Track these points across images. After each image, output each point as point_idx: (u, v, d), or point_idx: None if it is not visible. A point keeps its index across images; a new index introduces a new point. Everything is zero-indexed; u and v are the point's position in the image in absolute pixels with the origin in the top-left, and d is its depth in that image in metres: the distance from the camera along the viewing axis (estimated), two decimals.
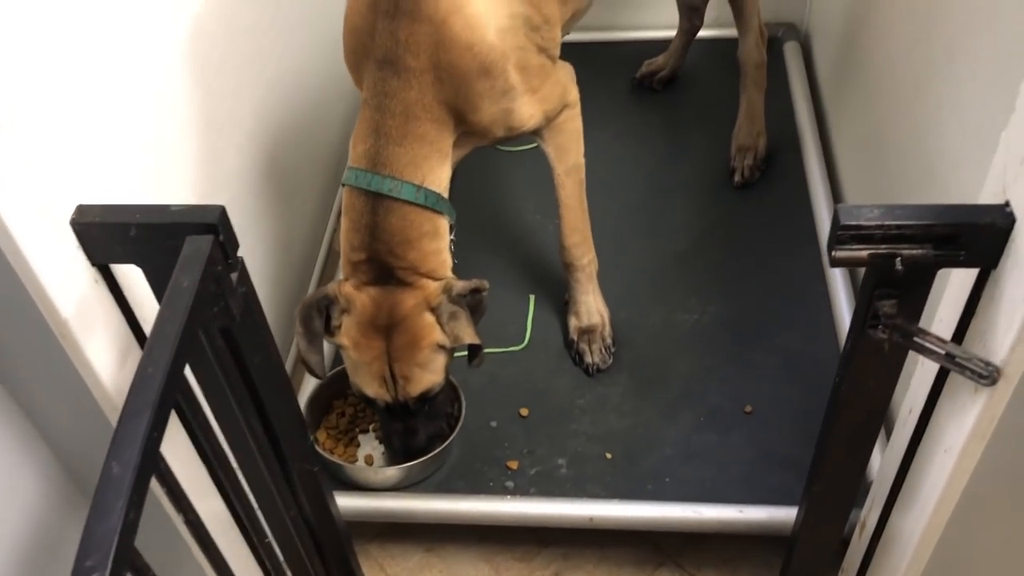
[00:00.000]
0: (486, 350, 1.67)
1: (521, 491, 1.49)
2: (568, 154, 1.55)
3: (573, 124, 1.54)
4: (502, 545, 1.57)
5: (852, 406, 0.99)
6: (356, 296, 1.34)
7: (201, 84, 1.40)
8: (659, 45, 2.20)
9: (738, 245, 1.85)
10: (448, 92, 1.29)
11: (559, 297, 1.76)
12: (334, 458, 1.50)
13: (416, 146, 1.31)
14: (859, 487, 1.10)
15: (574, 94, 1.52)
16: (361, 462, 1.54)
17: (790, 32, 2.23)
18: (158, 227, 0.87)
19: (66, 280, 0.87)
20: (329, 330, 1.36)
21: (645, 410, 1.60)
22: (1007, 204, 0.80)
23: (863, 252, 0.82)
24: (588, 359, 1.67)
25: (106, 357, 0.92)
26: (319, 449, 1.51)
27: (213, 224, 0.87)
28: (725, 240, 1.87)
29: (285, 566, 1.22)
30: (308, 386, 1.62)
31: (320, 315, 1.36)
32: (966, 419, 0.90)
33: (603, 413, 1.60)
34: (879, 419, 1.01)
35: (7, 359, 0.94)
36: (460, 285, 1.35)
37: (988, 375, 0.83)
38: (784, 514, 1.38)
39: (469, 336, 1.36)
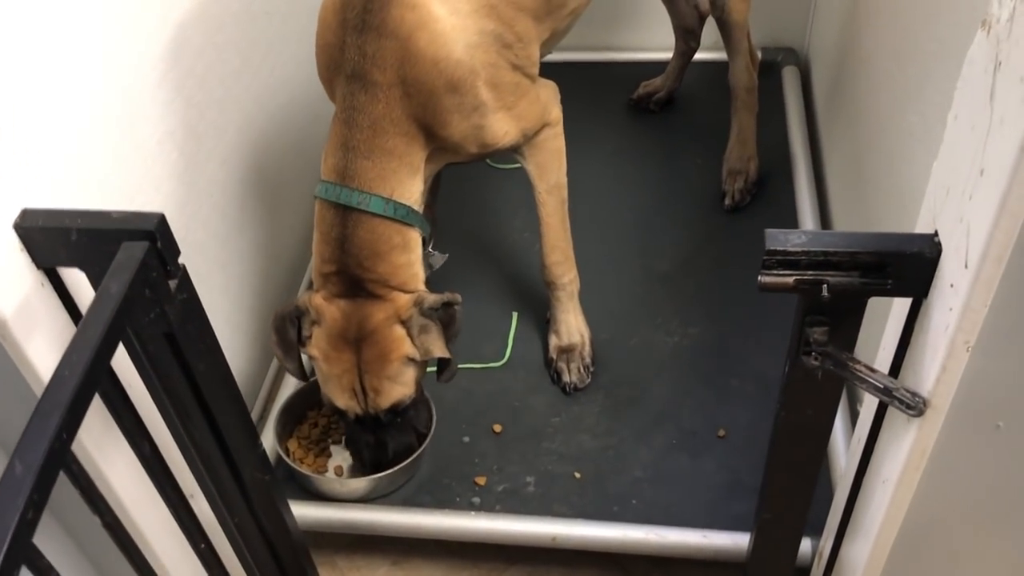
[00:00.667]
0: (465, 365, 1.69)
1: (487, 507, 1.49)
2: (549, 172, 1.55)
3: (554, 143, 1.54)
4: (469, 561, 1.56)
5: (793, 433, 0.98)
6: (326, 308, 1.35)
7: (182, 94, 1.42)
8: (656, 66, 2.20)
9: (724, 268, 1.84)
10: (416, 107, 1.30)
11: (543, 315, 1.76)
12: (303, 468, 1.51)
13: (384, 160, 1.32)
14: (807, 514, 1.09)
15: (556, 113, 1.52)
16: (331, 473, 1.55)
17: (789, 56, 2.22)
18: (98, 232, 0.89)
19: (7, 281, 0.89)
20: (301, 340, 1.38)
21: (619, 431, 1.59)
22: (936, 234, 0.80)
23: (789, 278, 0.82)
24: (566, 378, 1.66)
25: (50, 358, 0.94)
26: (288, 459, 1.51)
27: (151, 231, 0.88)
28: (711, 263, 1.86)
29: (242, 570, 1.23)
30: (283, 395, 1.63)
31: (293, 325, 1.37)
32: (901, 450, 0.89)
33: (576, 433, 1.60)
34: (822, 447, 1.00)
35: None
36: (432, 298, 1.36)
37: (915, 406, 0.82)
38: (748, 540, 1.36)
39: (439, 350, 1.37)
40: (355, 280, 1.34)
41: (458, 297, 1.38)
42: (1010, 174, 0.65)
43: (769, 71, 2.19)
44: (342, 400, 1.39)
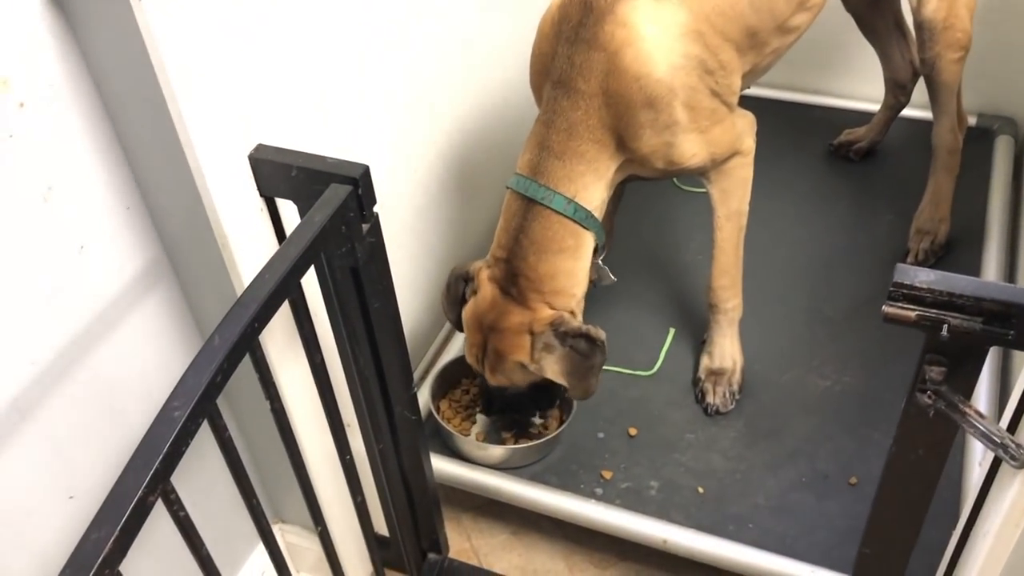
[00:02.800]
0: (615, 368, 1.77)
1: (607, 499, 1.56)
2: (731, 199, 1.60)
3: (742, 172, 1.58)
4: (583, 547, 1.65)
5: (902, 471, 1.00)
6: (485, 286, 1.48)
7: (410, 75, 1.59)
8: (862, 116, 2.20)
9: (890, 326, 1.81)
10: (612, 118, 1.39)
11: (699, 336, 1.81)
12: (448, 427, 1.65)
13: (574, 162, 1.42)
14: (908, 556, 1.09)
15: (749, 143, 1.57)
16: (472, 438, 1.68)
17: (1006, 126, 2.16)
18: (313, 172, 1.05)
19: (235, 202, 1.07)
20: (464, 299, 1.52)
21: (750, 458, 1.63)
22: None
23: (912, 312, 0.86)
24: (709, 399, 1.71)
25: (254, 269, 1.10)
26: (437, 416, 1.65)
27: (355, 178, 1.04)
28: (879, 316, 1.83)
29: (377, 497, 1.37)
30: (445, 358, 1.77)
31: (462, 283, 1.53)
32: (1003, 502, 0.90)
33: (708, 452, 1.65)
34: (930, 490, 1.01)
35: (181, 256, 1.16)
36: (572, 325, 1.43)
37: (1019, 457, 0.84)
38: None
39: (551, 373, 1.45)
40: (514, 272, 1.44)
41: (601, 334, 1.43)
42: None
43: (983, 138, 2.14)
44: (470, 357, 1.54)
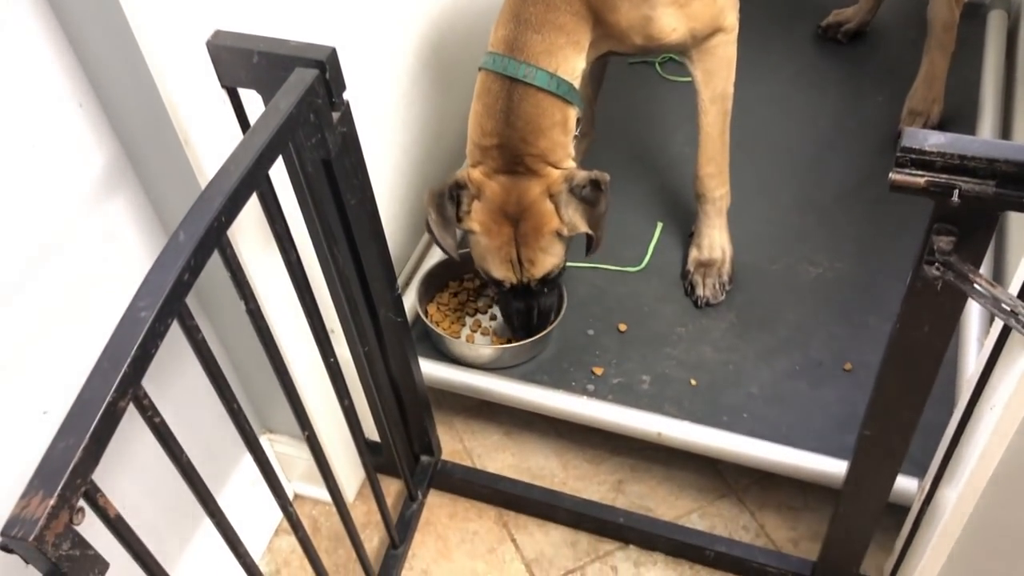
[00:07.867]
0: (602, 266, 1.73)
1: (599, 395, 1.53)
2: (715, 80, 1.54)
3: (725, 50, 1.52)
4: (575, 445, 1.63)
5: (906, 350, 0.97)
6: (486, 183, 1.41)
7: None
8: None
9: (883, 209, 1.79)
10: None
11: (688, 229, 1.77)
12: (437, 329, 1.60)
13: (553, 35, 1.36)
14: (910, 439, 1.07)
15: (731, 19, 1.50)
16: (462, 339, 1.64)
17: None
18: (276, 57, 0.98)
19: (194, 93, 1.00)
20: (459, 216, 1.45)
21: (742, 349, 1.60)
22: None
23: (921, 179, 0.81)
24: (699, 291, 1.68)
25: (219, 166, 1.04)
26: (425, 319, 1.61)
27: (322, 61, 0.96)
28: (870, 201, 1.80)
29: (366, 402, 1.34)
30: (428, 262, 1.72)
31: (452, 201, 1.44)
32: (1013, 373, 0.87)
33: (700, 344, 1.62)
34: (934, 368, 0.98)
35: (142, 155, 1.09)
36: (581, 175, 1.41)
37: None
38: None
39: (582, 225, 1.44)
40: (515, 154, 1.39)
41: (606, 176, 1.42)
42: None
43: (975, 12, 2.07)
44: (500, 271, 1.47)
